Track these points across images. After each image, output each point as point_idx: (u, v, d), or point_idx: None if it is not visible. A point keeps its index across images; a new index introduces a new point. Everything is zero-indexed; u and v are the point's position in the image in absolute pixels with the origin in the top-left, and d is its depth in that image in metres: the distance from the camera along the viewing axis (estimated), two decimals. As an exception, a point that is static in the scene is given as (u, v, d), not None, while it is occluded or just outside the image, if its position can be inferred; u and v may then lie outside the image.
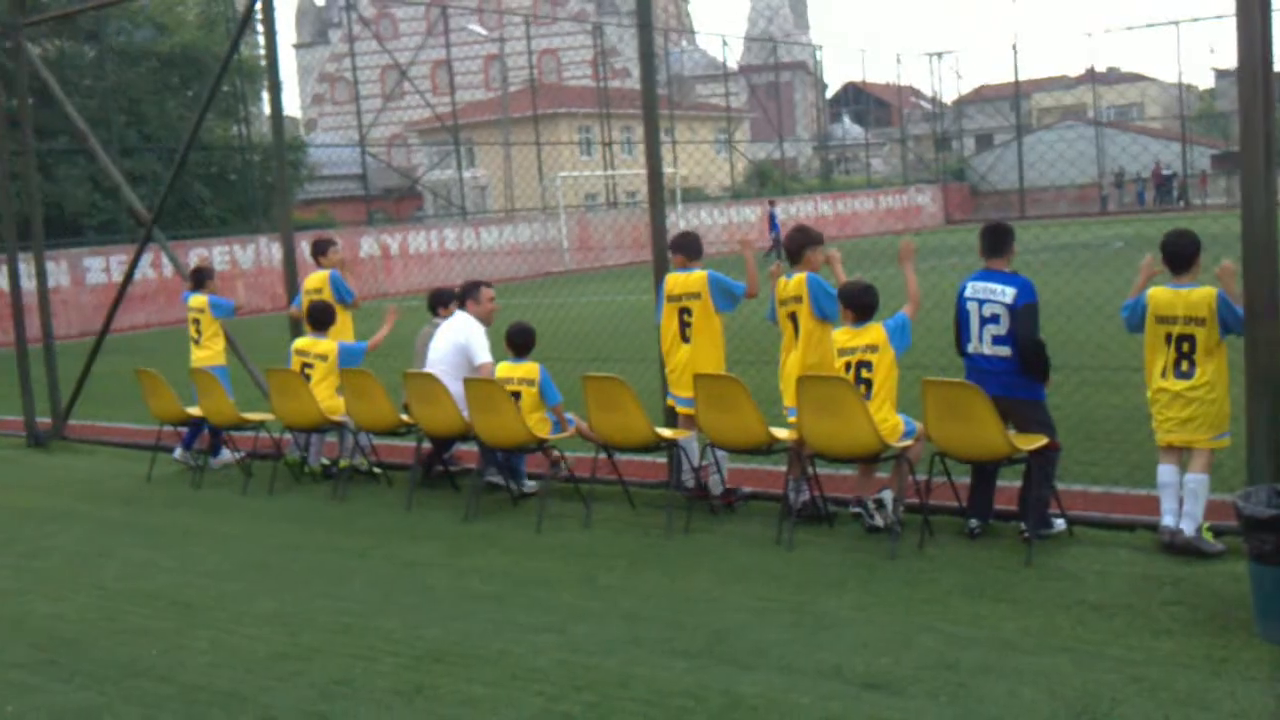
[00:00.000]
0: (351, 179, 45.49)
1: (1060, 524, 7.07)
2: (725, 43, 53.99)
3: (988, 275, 7.22)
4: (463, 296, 9.47)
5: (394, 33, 71.96)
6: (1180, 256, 6.85)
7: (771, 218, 39.44)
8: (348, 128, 55.59)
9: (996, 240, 7.29)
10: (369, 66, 54.41)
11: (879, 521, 7.31)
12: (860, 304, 7.45)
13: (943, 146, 64.14)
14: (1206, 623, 5.60)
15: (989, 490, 7.30)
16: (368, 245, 35.50)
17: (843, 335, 7.51)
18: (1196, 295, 6.71)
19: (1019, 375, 7.00)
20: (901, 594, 6.28)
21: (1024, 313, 7.02)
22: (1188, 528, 6.67)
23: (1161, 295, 6.82)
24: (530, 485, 8.98)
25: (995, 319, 7.05)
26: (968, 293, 7.24)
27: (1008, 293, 7.06)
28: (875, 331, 7.37)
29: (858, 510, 7.44)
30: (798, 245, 7.99)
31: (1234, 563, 6.22)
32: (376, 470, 9.98)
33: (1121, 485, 7.95)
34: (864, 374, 7.35)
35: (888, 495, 7.36)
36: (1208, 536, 6.62)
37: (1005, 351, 7.01)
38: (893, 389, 7.41)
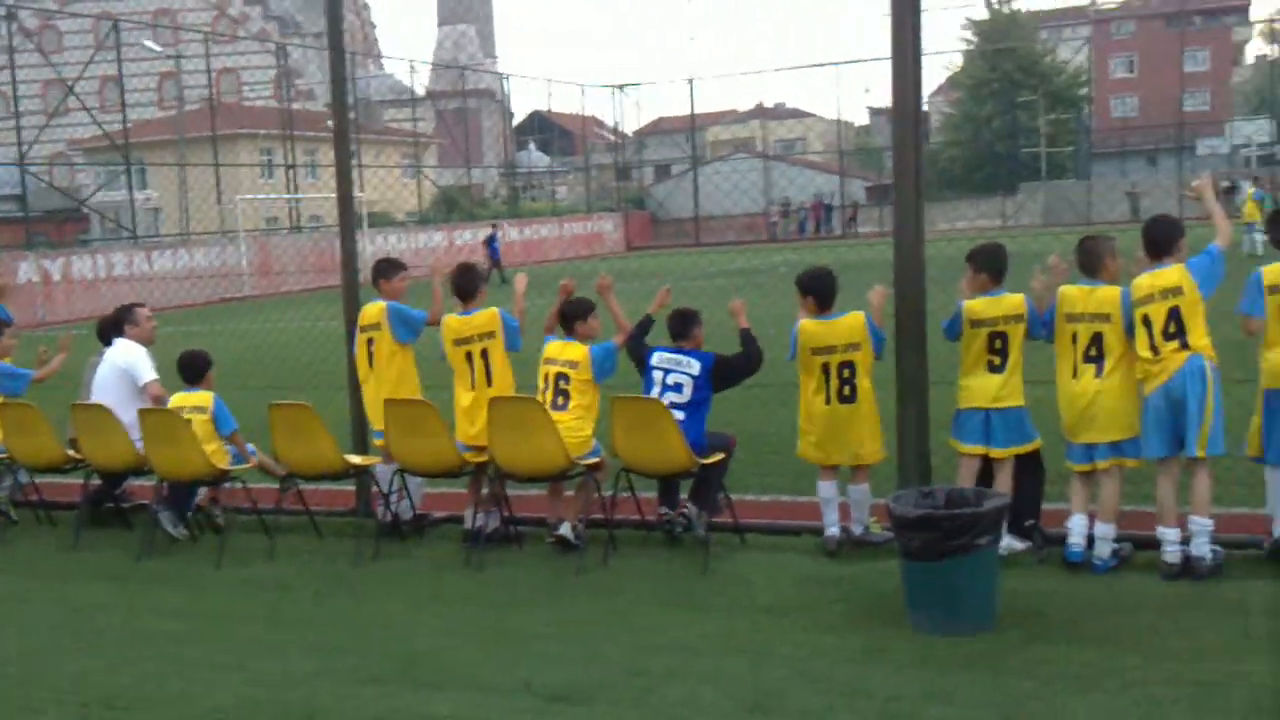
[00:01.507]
0: (8, 200, 42.20)
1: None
2: (413, 68, 53.78)
3: (676, 349, 7.58)
4: (118, 322, 9.02)
5: (59, 45, 67.37)
6: (824, 293, 7.41)
7: (491, 241, 39.45)
8: (4, 144, 51.55)
9: (684, 324, 7.63)
10: (29, 80, 50.63)
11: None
12: (570, 317, 7.72)
13: (624, 176, 66.09)
14: (866, 617, 6.07)
15: (674, 487, 7.66)
16: (26, 270, 33.01)
17: (553, 347, 7.71)
18: (847, 323, 7.27)
19: (689, 434, 7.27)
20: (589, 607, 6.47)
21: (722, 366, 7.47)
22: (856, 529, 7.23)
23: (811, 327, 7.33)
24: (181, 532, 8.47)
25: (679, 387, 7.41)
26: (654, 361, 7.59)
27: (694, 365, 7.46)
28: (579, 350, 7.60)
29: (561, 527, 7.55)
30: (469, 284, 8.08)
31: (889, 560, 6.75)
32: (13, 515, 9.26)
33: (788, 493, 8.47)
34: (562, 385, 7.55)
35: (566, 528, 7.50)
36: (875, 529, 7.18)
37: (680, 416, 7.30)
38: (591, 405, 7.62)
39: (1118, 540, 6.65)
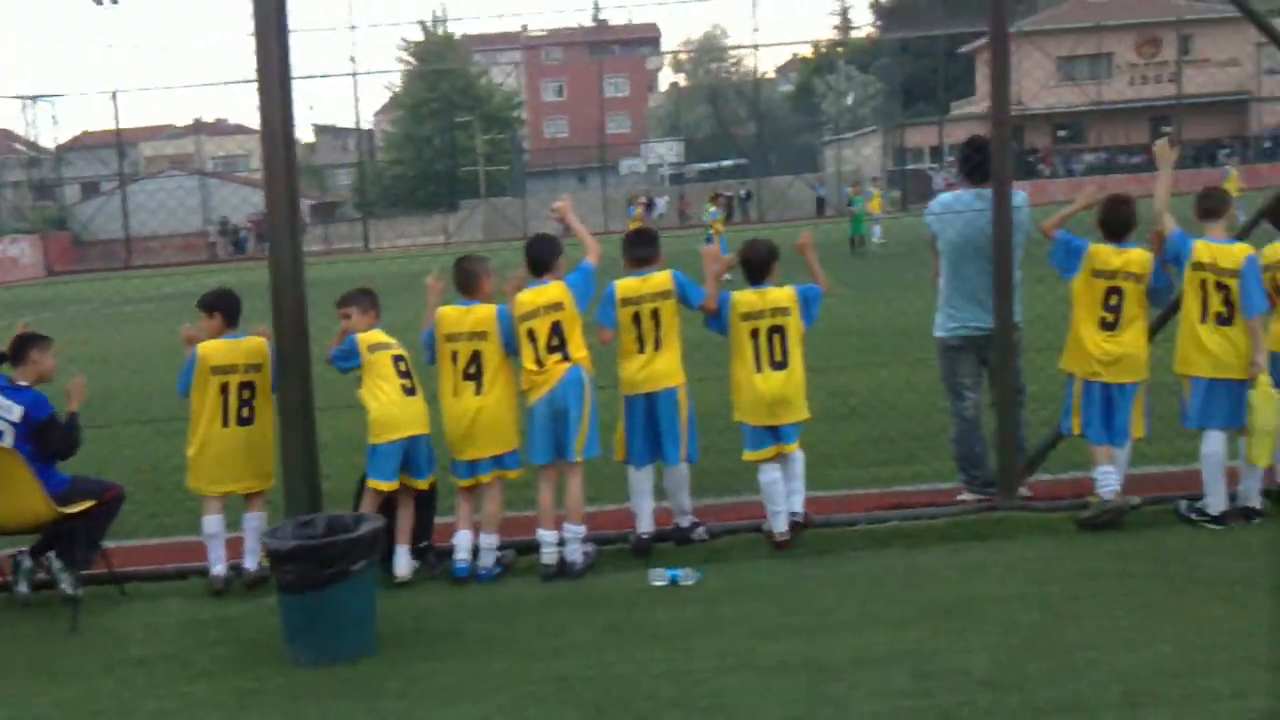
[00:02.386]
0: None
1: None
2: None
3: (5, 387, 6.77)
4: None
5: None
6: (230, 310, 7.15)
7: None
8: None
9: (20, 349, 6.85)
10: None
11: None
12: None
13: (44, 195, 60.47)
14: (246, 658, 5.81)
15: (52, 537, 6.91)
16: None
17: None
18: (250, 344, 7.03)
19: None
20: (-79, 691, 5.68)
21: (46, 427, 6.68)
22: (249, 564, 6.91)
23: (215, 346, 7.01)
24: None
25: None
26: None
27: (14, 410, 6.65)
28: None
29: None
30: None
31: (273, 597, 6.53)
32: None
33: (179, 533, 7.99)
34: None
35: None
36: (265, 563, 6.88)
37: None
38: None
39: (501, 548, 6.89)
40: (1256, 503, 6.84)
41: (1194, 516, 6.85)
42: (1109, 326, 6.90)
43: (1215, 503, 6.78)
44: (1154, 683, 4.86)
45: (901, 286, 14.08)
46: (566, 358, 6.76)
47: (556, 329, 6.77)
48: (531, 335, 6.78)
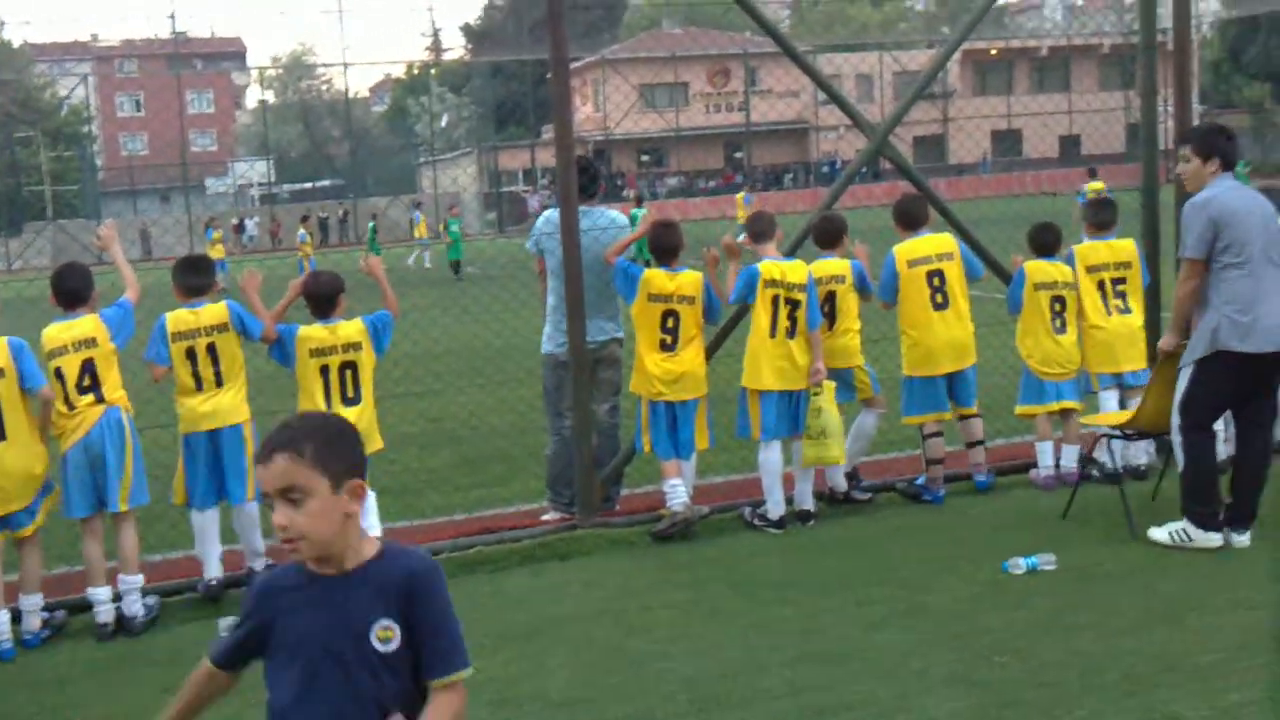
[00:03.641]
0: None
1: None
2: None
3: None
4: None
5: None
6: None
7: None
8: None
9: None
10: None
11: None
12: None
13: None
14: None
15: None
16: None
17: None
18: None
19: None
20: None
21: None
22: None
23: None
24: None
25: None
26: None
27: None
28: None
29: None
30: None
31: None
32: None
33: None
34: None
35: None
36: None
37: None
38: None
39: (50, 609, 6.26)
40: (810, 505, 7.32)
41: (757, 522, 7.25)
42: (668, 348, 7.14)
43: (774, 508, 7.20)
44: (718, 686, 5.05)
45: (500, 308, 14.18)
46: (101, 399, 6.24)
47: (88, 367, 6.23)
48: (60, 374, 6.19)
